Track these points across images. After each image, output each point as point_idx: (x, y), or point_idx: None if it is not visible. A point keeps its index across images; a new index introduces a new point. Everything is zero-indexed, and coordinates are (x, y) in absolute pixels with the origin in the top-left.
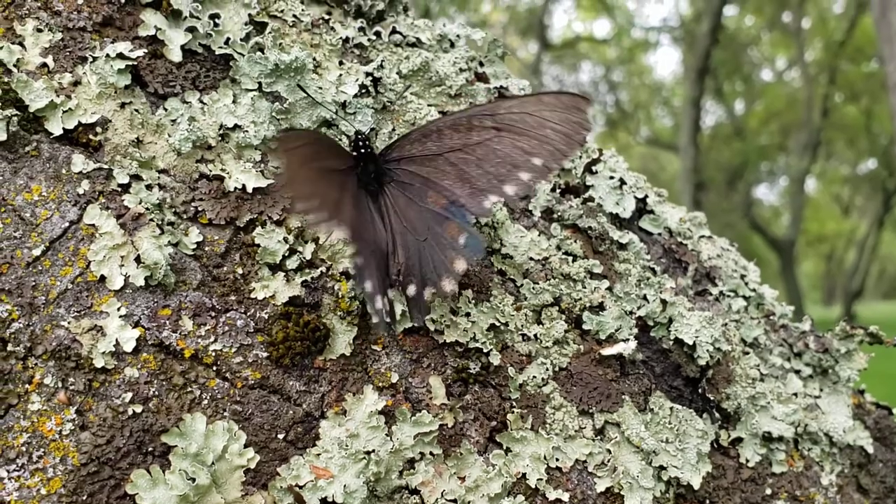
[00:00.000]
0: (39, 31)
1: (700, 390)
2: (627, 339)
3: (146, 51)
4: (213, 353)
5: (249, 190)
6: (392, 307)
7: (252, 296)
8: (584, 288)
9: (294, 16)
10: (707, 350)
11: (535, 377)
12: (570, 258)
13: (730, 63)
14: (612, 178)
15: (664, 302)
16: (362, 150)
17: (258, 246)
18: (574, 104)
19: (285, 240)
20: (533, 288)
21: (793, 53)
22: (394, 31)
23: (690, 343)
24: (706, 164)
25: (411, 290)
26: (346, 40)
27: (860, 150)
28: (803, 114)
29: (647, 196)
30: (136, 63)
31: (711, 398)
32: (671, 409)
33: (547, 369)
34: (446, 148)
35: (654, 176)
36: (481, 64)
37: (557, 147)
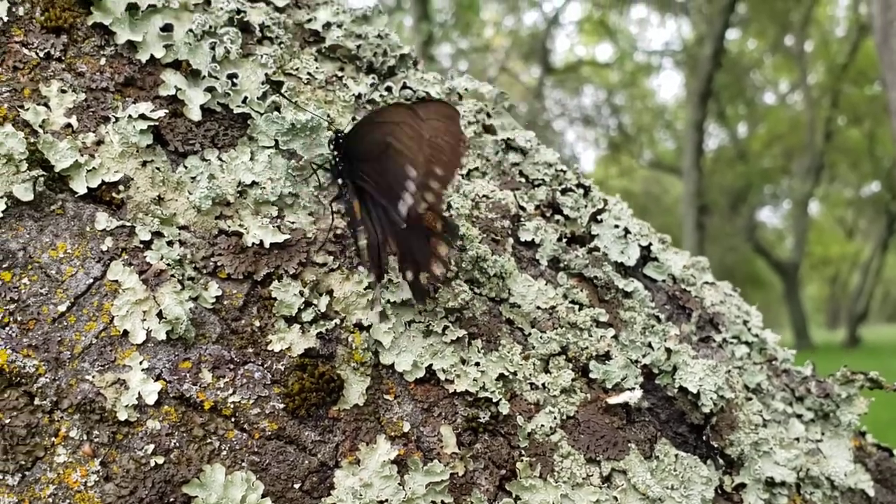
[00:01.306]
0: (64, 91)
1: (704, 437)
2: (633, 388)
3: (167, 111)
4: (232, 405)
5: (267, 245)
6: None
7: (269, 348)
8: (591, 336)
9: (308, 73)
10: (711, 398)
11: (543, 426)
12: (577, 307)
13: (732, 86)
14: (616, 226)
15: (669, 350)
16: (343, 150)
17: (275, 299)
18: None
19: (301, 293)
20: (540, 337)
21: (795, 77)
22: (404, 87)
23: (695, 391)
24: (709, 187)
25: (409, 275)
26: (359, 96)
27: (863, 173)
28: (806, 137)
29: (651, 243)
30: (157, 123)
31: (715, 445)
32: (676, 455)
33: (555, 418)
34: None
35: (657, 199)
36: (489, 115)
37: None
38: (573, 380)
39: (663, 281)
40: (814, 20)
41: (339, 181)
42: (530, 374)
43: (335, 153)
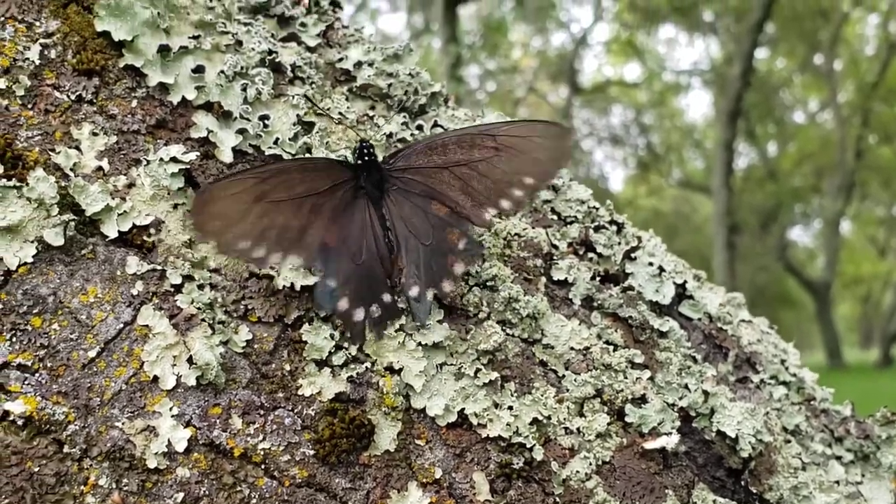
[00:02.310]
0: (95, 134)
1: (743, 482)
2: (670, 433)
3: (198, 153)
4: (262, 452)
5: (297, 288)
6: (379, 313)
7: (299, 392)
8: (626, 379)
9: (340, 113)
10: (749, 442)
11: (578, 472)
12: (612, 348)
13: (762, 105)
14: (651, 264)
15: (706, 392)
16: (367, 158)
17: (305, 342)
18: (561, 134)
19: (331, 336)
20: (575, 380)
21: (825, 95)
22: (435, 125)
23: (733, 436)
24: (739, 206)
25: (414, 291)
26: (390, 135)
27: (895, 192)
28: (837, 155)
29: (686, 281)
30: (188, 166)
31: (754, 490)
32: (714, 501)
33: (590, 463)
34: (451, 162)
35: (686, 218)
36: None
37: (545, 169)
38: (609, 424)
39: (699, 319)
40: (843, 39)
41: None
42: (565, 418)
43: (358, 161)
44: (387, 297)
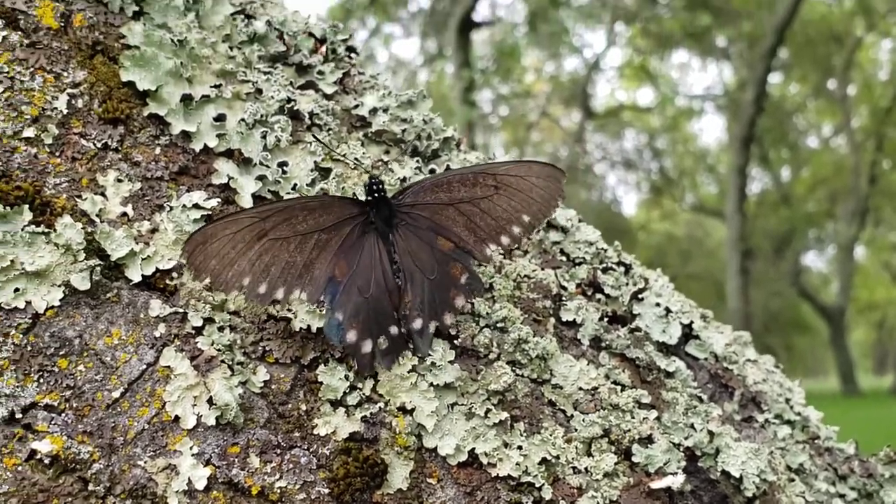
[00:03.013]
0: (120, 181)
1: None
2: (676, 473)
3: (219, 199)
4: (279, 490)
5: (314, 329)
6: (387, 345)
7: (315, 432)
8: (633, 418)
9: (356, 158)
10: (753, 482)
11: None
12: (619, 388)
13: (775, 130)
14: (658, 304)
15: (711, 432)
16: (376, 195)
17: (321, 383)
18: (556, 175)
19: (346, 376)
20: (583, 420)
21: (839, 120)
22: (448, 169)
23: (737, 475)
24: (753, 231)
25: (417, 324)
26: (404, 180)
27: None
28: (850, 181)
29: (692, 321)
30: (210, 212)
31: None
32: None
33: (598, 502)
34: (456, 199)
35: (699, 243)
36: None
37: (540, 208)
38: (616, 463)
39: (705, 359)
40: (856, 64)
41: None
42: (573, 458)
43: (369, 197)
44: (394, 330)
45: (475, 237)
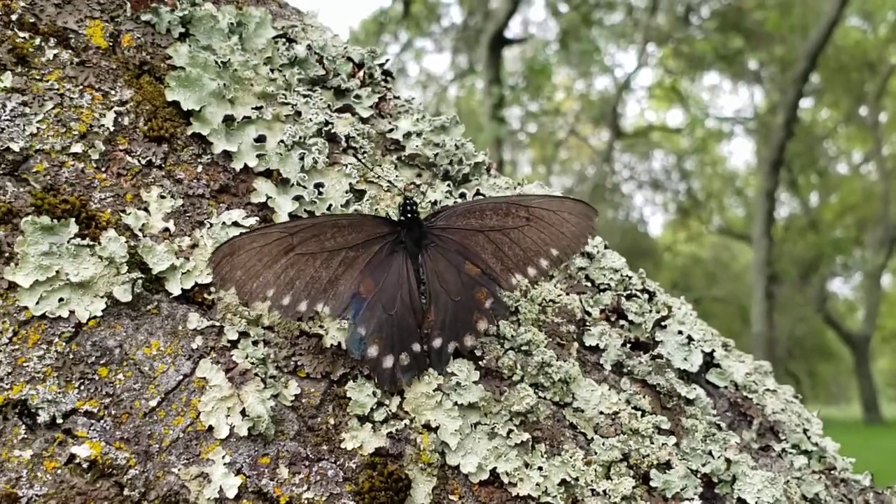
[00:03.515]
0: (163, 197)
1: None
2: (693, 499)
3: (258, 217)
4: (306, 501)
5: (345, 346)
6: (409, 362)
7: (342, 446)
8: (652, 444)
9: (389, 181)
10: None
11: None
12: (639, 413)
13: (805, 156)
14: (680, 332)
15: (728, 460)
16: (409, 215)
17: (349, 398)
18: (587, 212)
19: (374, 393)
20: (603, 443)
21: (869, 147)
22: (477, 193)
23: (753, 503)
24: (780, 255)
25: (437, 343)
26: (435, 203)
27: None
28: (879, 208)
29: (714, 350)
30: (249, 230)
31: None
32: None
33: None
34: (486, 226)
35: (725, 266)
36: None
37: (570, 243)
38: (634, 487)
39: (725, 388)
40: (889, 91)
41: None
42: (592, 480)
43: (402, 217)
44: (416, 347)
45: (502, 265)
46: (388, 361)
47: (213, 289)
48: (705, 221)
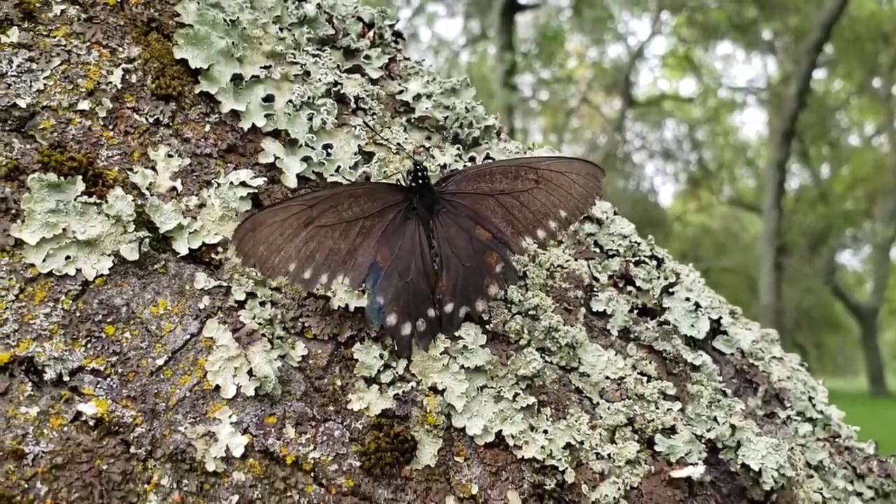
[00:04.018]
0: (170, 156)
1: None
2: (697, 463)
3: (266, 178)
4: (312, 461)
5: (352, 308)
6: (425, 328)
7: (349, 407)
8: (657, 409)
9: (398, 143)
10: (772, 476)
11: (607, 495)
12: (645, 379)
13: (817, 127)
14: (688, 299)
15: (733, 426)
16: (420, 181)
17: (356, 360)
18: (594, 172)
19: (381, 355)
20: (608, 408)
21: (882, 119)
22: (487, 157)
23: (756, 469)
24: (789, 227)
25: (448, 307)
26: (444, 166)
27: None
28: (890, 180)
29: (721, 317)
30: (256, 190)
31: None
32: None
33: (619, 488)
34: (496, 190)
35: (735, 236)
36: None
37: (578, 204)
38: (638, 451)
39: (732, 354)
40: None
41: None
42: (596, 444)
43: (412, 183)
44: (431, 313)
45: (512, 229)
46: (407, 328)
47: (220, 249)
48: (716, 192)
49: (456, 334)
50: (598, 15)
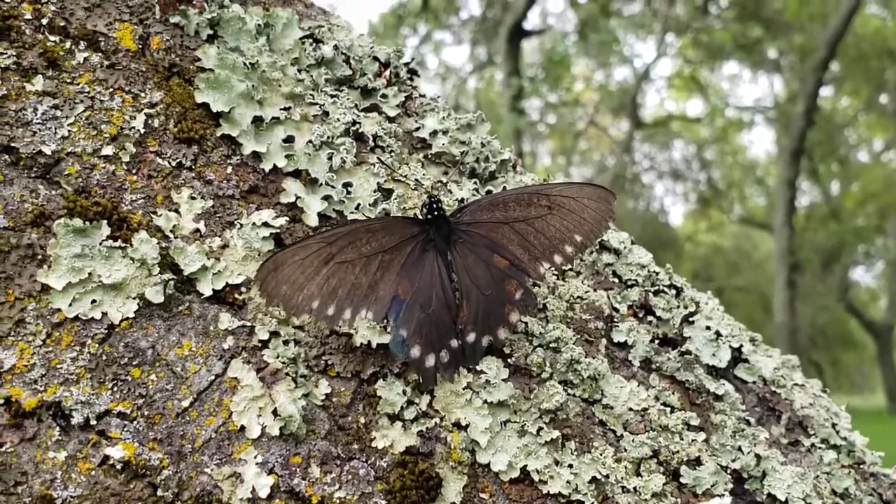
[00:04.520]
0: (193, 198)
1: None
2: (723, 495)
3: (287, 217)
4: (338, 500)
5: (374, 345)
6: (448, 358)
7: (373, 444)
8: (682, 440)
9: (416, 179)
10: None
11: None
12: (668, 409)
13: (825, 144)
14: (708, 328)
15: (758, 456)
16: (436, 213)
17: (379, 397)
18: (606, 196)
19: (404, 392)
20: (633, 440)
21: (890, 135)
22: (504, 190)
23: (783, 499)
24: (801, 244)
25: (471, 337)
26: (462, 200)
27: None
28: None
29: (742, 345)
30: (279, 230)
31: None
32: None
33: None
34: (511, 218)
35: (747, 255)
36: None
37: (592, 228)
38: (664, 484)
39: (753, 382)
40: None
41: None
42: (622, 477)
43: (428, 215)
44: (454, 343)
45: (529, 255)
46: (430, 360)
47: (243, 289)
48: (726, 211)
49: (478, 369)
50: (603, 38)
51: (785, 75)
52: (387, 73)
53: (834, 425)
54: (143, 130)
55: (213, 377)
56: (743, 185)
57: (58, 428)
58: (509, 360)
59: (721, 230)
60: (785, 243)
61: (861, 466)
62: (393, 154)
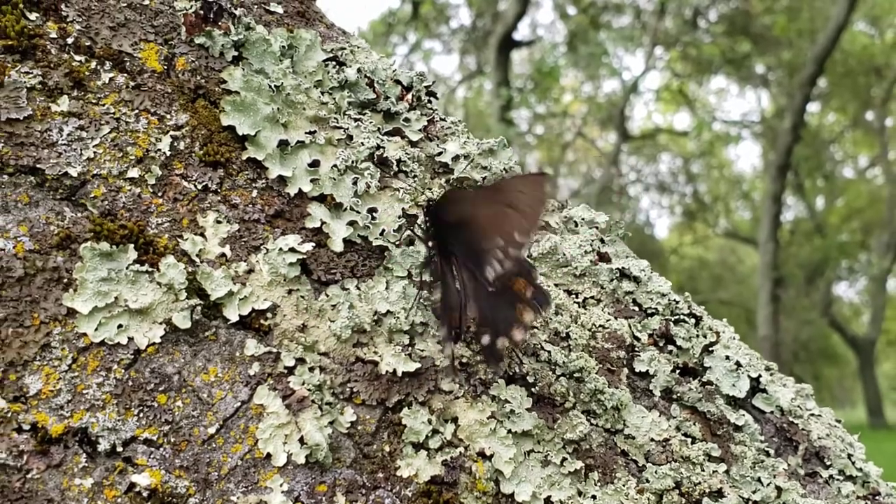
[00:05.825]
0: (219, 222)
1: None
2: None
3: (313, 243)
4: None
5: (399, 374)
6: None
7: (398, 473)
8: (703, 472)
9: None
10: None
11: None
12: (690, 440)
13: (811, 159)
14: (727, 358)
15: (779, 488)
16: (427, 225)
17: (404, 426)
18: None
19: (429, 420)
20: (655, 471)
21: (876, 152)
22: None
23: None
24: (786, 259)
25: (485, 339)
26: None
27: None
28: (886, 212)
29: (760, 375)
30: (304, 256)
31: None
32: None
33: None
34: (490, 214)
35: (731, 269)
36: (602, 242)
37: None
38: None
39: (771, 412)
40: None
41: (430, 244)
42: None
43: (426, 219)
44: (486, 339)
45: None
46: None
47: (269, 315)
48: (712, 224)
49: (502, 398)
50: (592, 51)
51: (772, 90)
52: (409, 96)
53: (850, 456)
54: (168, 153)
55: (238, 404)
56: (729, 198)
57: (84, 454)
58: (533, 389)
59: (706, 243)
60: (769, 258)
61: (876, 497)
62: (416, 179)
